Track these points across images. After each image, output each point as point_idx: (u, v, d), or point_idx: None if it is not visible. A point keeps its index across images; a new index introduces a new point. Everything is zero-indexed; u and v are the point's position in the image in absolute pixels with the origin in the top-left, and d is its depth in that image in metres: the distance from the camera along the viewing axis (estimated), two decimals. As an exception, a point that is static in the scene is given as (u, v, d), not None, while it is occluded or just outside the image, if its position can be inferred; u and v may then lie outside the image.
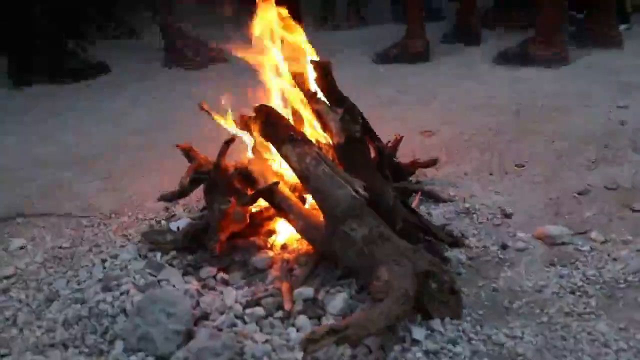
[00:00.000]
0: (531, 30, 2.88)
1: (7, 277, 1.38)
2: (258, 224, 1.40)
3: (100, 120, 2.45)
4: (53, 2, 3.11)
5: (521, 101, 2.25)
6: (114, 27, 4.04)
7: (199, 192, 1.53)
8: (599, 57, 2.77)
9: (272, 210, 1.37)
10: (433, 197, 1.52)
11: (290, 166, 1.26)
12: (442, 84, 2.62)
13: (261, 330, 1.10)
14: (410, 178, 1.63)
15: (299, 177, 1.25)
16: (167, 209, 1.63)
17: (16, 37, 2.98)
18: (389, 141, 1.53)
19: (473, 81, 2.63)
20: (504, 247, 1.28)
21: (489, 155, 1.80)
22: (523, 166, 1.70)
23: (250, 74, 1.42)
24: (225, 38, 1.44)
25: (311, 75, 1.32)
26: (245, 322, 1.12)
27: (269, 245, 1.35)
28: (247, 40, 1.40)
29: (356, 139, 1.24)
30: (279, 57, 1.41)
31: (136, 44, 3.89)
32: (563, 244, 1.28)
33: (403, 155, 1.63)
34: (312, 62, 1.28)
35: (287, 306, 1.14)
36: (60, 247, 1.50)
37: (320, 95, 1.32)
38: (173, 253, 1.37)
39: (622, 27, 3.05)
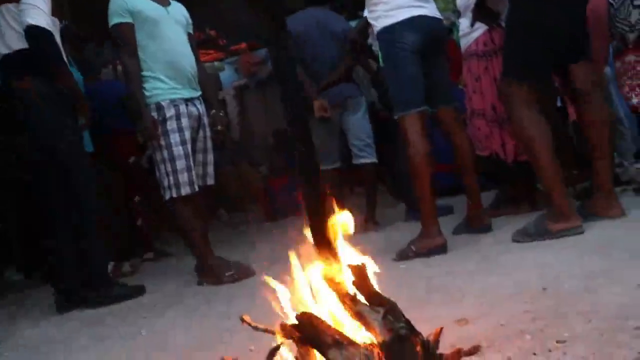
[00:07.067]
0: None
1: None
2: None
3: (142, 343, 2.52)
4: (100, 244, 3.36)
5: (547, 283, 2.29)
6: (152, 256, 4.31)
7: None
8: (610, 227, 2.89)
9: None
10: (483, 385, 1.49)
11: (339, 370, 1.28)
12: (466, 274, 2.69)
13: None
14: (455, 369, 1.61)
15: (349, 380, 1.26)
16: None
17: (69, 278, 3.17)
18: (430, 334, 1.55)
19: (495, 266, 2.70)
20: None
21: (529, 338, 1.80)
22: (565, 341, 1.69)
23: (281, 287, 1.51)
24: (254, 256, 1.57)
25: (348, 278, 1.41)
26: None
27: None
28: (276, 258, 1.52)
29: (401, 336, 1.28)
30: (313, 265, 1.51)
31: (168, 265, 4.08)
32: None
33: (442, 348, 1.63)
34: (348, 265, 1.38)
35: None
36: None
37: (359, 296, 1.39)
38: None
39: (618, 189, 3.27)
